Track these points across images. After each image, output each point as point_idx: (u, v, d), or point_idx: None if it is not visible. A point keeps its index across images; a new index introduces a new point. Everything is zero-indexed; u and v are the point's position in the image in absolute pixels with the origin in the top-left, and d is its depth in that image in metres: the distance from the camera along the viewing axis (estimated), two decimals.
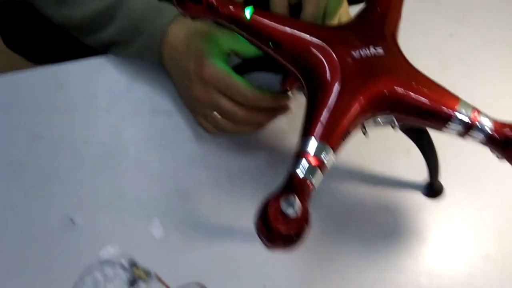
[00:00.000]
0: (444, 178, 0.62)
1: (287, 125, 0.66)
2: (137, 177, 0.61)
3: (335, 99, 0.47)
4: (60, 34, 0.69)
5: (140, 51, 0.64)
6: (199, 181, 0.62)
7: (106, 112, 0.65)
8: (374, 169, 0.65)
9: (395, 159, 0.65)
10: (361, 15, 0.54)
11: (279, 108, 0.60)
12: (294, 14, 0.56)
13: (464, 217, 0.62)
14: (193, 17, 0.55)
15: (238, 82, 0.56)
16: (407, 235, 0.60)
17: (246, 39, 0.53)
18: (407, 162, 0.65)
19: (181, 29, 0.61)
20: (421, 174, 0.63)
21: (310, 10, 0.56)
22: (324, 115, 0.47)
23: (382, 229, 0.60)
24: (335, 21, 0.60)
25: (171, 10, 0.62)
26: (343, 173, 0.63)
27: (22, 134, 0.62)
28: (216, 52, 0.58)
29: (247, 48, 0.60)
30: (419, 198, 0.63)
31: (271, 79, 0.67)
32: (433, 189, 0.63)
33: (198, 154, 0.63)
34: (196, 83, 0.58)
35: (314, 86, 0.49)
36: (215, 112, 0.59)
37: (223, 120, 0.59)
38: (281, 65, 0.53)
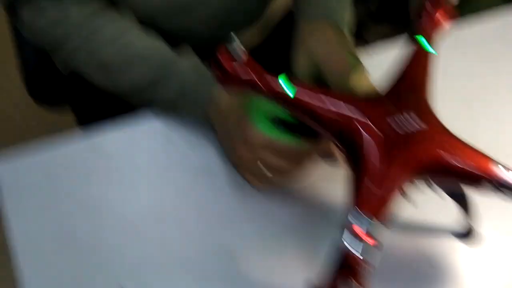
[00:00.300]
0: (478, 221, 0.62)
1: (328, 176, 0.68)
2: (182, 237, 0.63)
3: (379, 172, 0.50)
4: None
5: (187, 113, 0.67)
6: (244, 238, 0.64)
7: (147, 174, 0.67)
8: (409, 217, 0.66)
9: (426, 201, 0.67)
10: (394, 82, 0.56)
11: (323, 155, 0.62)
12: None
13: (501, 262, 0.63)
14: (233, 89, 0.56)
15: (281, 138, 0.59)
16: (442, 280, 0.62)
17: (289, 111, 0.55)
18: (440, 204, 0.67)
19: (226, 92, 0.63)
20: (454, 216, 0.64)
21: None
22: (370, 188, 0.49)
23: (417, 276, 0.62)
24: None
25: None
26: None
27: (67, 202, 0.64)
28: (258, 114, 0.60)
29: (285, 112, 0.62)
30: (453, 242, 0.64)
31: None
32: (467, 233, 0.65)
33: (242, 210, 0.65)
34: (241, 145, 0.61)
35: (356, 159, 0.51)
36: (261, 168, 0.61)
37: (270, 174, 0.61)
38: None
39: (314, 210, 0.66)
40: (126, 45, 0.66)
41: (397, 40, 0.76)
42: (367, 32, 1.72)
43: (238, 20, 0.83)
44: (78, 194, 0.65)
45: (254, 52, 0.89)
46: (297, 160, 0.61)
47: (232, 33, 0.52)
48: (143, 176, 0.67)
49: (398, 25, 1.79)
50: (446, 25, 0.60)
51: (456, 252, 0.64)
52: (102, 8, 0.68)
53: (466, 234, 0.65)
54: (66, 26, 0.66)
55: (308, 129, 0.57)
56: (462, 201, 0.60)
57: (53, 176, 0.66)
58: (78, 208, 0.64)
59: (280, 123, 0.62)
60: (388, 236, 0.63)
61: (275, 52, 0.91)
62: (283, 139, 0.59)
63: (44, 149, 0.67)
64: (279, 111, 0.61)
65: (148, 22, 0.73)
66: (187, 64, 0.66)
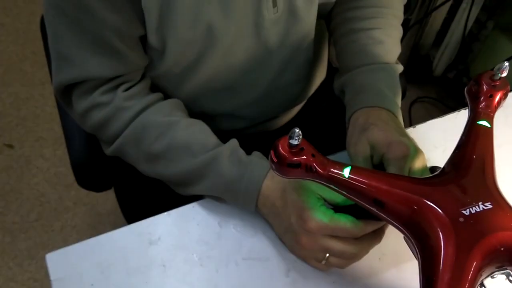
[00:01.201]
0: None
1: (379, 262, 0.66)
2: None
3: (452, 264, 0.47)
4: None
5: (235, 205, 0.66)
6: None
7: (199, 265, 0.65)
8: None
9: None
10: (455, 163, 0.55)
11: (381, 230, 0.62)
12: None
13: None
14: (292, 178, 0.56)
15: (341, 223, 0.58)
16: None
17: (347, 197, 0.54)
18: None
19: (274, 183, 0.63)
20: None
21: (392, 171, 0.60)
22: (445, 281, 0.47)
23: None
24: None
25: (261, 165, 0.65)
26: None
27: None
28: (313, 201, 0.60)
29: (336, 196, 0.61)
30: None
31: None
32: None
33: None
34: (302, 235, 0.60)
35: (427, 250, 0.49)
36: (327, 255, 0.61)
37: (335, 258, 0.61)
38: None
39: None
40: (171, 141, 0.67)
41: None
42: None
43: (281, 103, 0.85)
44: (131, 286, 0.63)
45: (284, 128, 0.91)
46: (361, 242, 0.60)
47: (295, 128, 0.53)
48: (197, 265, 0.65)
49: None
50: (504, 102, 0.60)
51: None
52: (150, 102, 0.70)
53: None
54: (110, 108, 0.68)
55: (365, 212, 0.56)
56: None
57: (107, 267, 0.64)
58: None
59: (335, 208, 0.62)
60: None
61: (306, 125, 0.93)
62: (343, 223, 0.58)
63: (98, 241, 0.67)
64: (331, 194, 0.61)
65: (193, 103, 0.75)
66: (227, 162, 0.65)
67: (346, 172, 0.53)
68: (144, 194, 0.70)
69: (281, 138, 0.54)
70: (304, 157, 0.54)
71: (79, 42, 0.65)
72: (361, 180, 0.53)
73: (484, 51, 1.72)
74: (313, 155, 0.54)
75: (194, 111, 0.77)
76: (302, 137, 0.54)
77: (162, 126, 0.68)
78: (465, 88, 0.61)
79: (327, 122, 0.99)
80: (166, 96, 0.75)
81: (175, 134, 0.67)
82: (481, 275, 0.48)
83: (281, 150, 0.54)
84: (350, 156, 0.67)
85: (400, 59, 0.78)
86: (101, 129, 0.71)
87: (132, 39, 0.68)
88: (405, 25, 1.05)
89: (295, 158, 0.54)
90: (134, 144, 0.69)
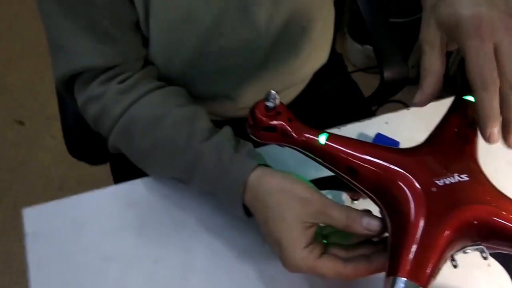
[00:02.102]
0: None
1: None
2: None
3: (420, 234, 0.45)
4: None
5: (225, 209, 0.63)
6: None
7: (176, 230, 0.64)
8: (451, 286, 0.61)
9: (475, 274, 0.62)
10: (437, 135, 0.53)
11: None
12: None
13: None
14: (267, 143, 0.55)
15: (323, 270, 0.53)
16: None
17: (322, 165, 0.53)
18: (489, 277, 0.62)
19: (261, 183, 0.57)
20: None
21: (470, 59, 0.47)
22: (411, 252, 0.45)
23: None
24: None
25: (243, 165, 0.58)
26: None
27: (92, 256, 0.62)
28: (297, 235, 0.53)
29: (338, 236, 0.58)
30: None
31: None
32: None
33: (270, 275, 0.62)
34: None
35: (396, 217, 0.48)
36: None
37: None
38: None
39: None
40: (156, 137, 0.63)
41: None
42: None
43: (276, 84, 0.83)
44: (105, 247, 0.63)
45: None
46: (349, 268, 0.53)
47: (271, 90, 0.52)
48: (173, 230, 0.65)
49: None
50: None
51: None
52: (142, 93, 0.66)
53: None
54: (103, 102, 0.66)
55: (342, 184, 0.54)
56: None
57: (81, 227, 0.64)
58: (104, 262, 0.62)
59: (321, 183, 0.60)
60: None
61: (305, 109, 0.91)
62: (325, 270, 0.52)
63: (72, 201, 0.66)
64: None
65: (184, 86, 0.72)
66: (209, 161, 0.60)
67: (322, 139, 0.52)
68: (139, 171, 0.68)
69: (259, 101, 0.53)
70: (280, 121, 0.53)
71: (72, 30, 0.63)
72: (336, 148, 0.51)
73: None
74: (289, 120, 0.53)
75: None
76: (280, 102, 0.53)
77: (150, 121, 0.64)
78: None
79: (328, 106, 0.97)
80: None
81: (161, 130, 0.63)
82: (451, 249, 0.46)
83: (257, 113, 0.53)
84: (420, 45, 0.52)
85: None
86: (97, 124, 0.68)
87: (126, 24, 0.66)
88: None
89: (271, 122, 0.53)
90: (125, 140, 0.66)
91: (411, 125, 0.75)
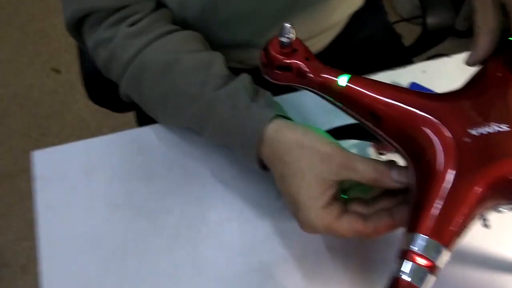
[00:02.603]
0: None
1: None
2: (217, 252, 0.57)
3: (448, 188, 0.40)
4: None
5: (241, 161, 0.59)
6: (282, 257, 0.56)
7: (186, 178, 0.61)
8: (486, 248, 0.56)
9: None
10: (475, 80, 0.47)
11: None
12: None
13: None
14: (282, 84, 0.50)
15: (340, 231, 0.49)
16: None
17: (342, 110, 0.47)
18: None
19: (279, 136, 0.52)
20: None
21: None
22: (435, 208, 0.39)
23: None
24: None
25: (260, 114, 0.54)
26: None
27: (101, 202, 0.60)
28: (315, 193, 0.49)
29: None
30: None
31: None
32: None
33: (280, 229, 0.58)
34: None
35: (422, 170, 0.42)
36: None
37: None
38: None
39: None
40: (169, 84, 0.59)
41: None
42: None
43: (303, 30, 0.77)
44: (113, 194, 0.60)
45: (318, 57, 0.82)
46: (369, 226, 0.49)
47: (285, 23, 0.46)
48: (184, 178, 0.61)
49: None
50: None
51: None
52: (154, 37, 0.61)
53: None
54: (112, 46, 0.61)
55: (365, 133, 0.48)
56: None
57: (90, 173, 0.61)
58: (112, 208, 0.59)
59: (343, 132, 0.55)
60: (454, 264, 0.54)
61: (339, 57, 0.84)
62: (343, 231, 0.48)
63: (82, 145, 0.64)
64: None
65: (203, 31, 0.67)
66: (224, 109, 0.55)
67: (343, 80, 0.46)
68: None
69: (273, 37, 0.48)
70: (296, 60, 0.47)
71: None
72: (358, 90, 0.46)
73: None
74: (307, 58, 0.47)
75: (207, 42, 0.69)
76: (297, 37, 0.47)
77: (161, 67, 0.59)
78: None
79: (363, 55, 0.90)
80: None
81: (174, 77, 0.58)
82: (482, 207, 0.40)
83: (271, 50, 0.48)
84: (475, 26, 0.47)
85: None
86: (107, 70, 0.64)
87: None
88: None
89: (286, 60, 0.47)
90: (135, 88, 0.62)
91: (451, 74, 0.68)
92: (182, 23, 0.66)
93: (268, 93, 0.58)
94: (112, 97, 0.88)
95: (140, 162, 0.62)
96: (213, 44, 0.66)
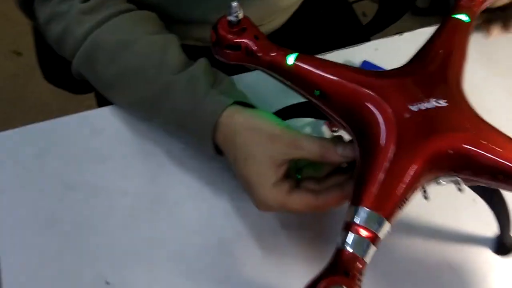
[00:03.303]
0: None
1: None
2: (174, 230, 0.57)
3: (390, 161, 0.41)
4: None
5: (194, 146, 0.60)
6: (239, 234, 0.57)
7: (142, 159, 0.61)
8: (434, 222, 0.58)
9: (459, 210, 0.58)
10: (419, 56, 0.48)
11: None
12: None
13: None
14: (232, 63, 0.50)
15: (295, 206, 0.50)
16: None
17: (290, 87, 0.48)
18: (474, 212, 0.58)
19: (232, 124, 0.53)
20: (489, 226, 0.56)
21: None
22: (377, 181, 0.41)
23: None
24: None
25: (219, 101, 0.54)
26: (399, 226, 0.57)
27: (55, 184, 0.59)
28: (268, 172, 0.50)
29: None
30: (488, 255, 0.56)
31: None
32: (504, 246, 0.56)
33: (237, 206, 0.59)
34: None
35: (366, 144, 0.43)
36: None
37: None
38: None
39: None
40: (124, 64, 0.58)
41: None
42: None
43: (262, 6, 0.77)
44: (68, 176, 0.60)
45: (273, 35, 0.82)
46: (322, 200, 0.50)
47: (232, 3, 0.46)
48: (140, 159, 0.61)
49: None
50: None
51: (484, 260, 0.56)
52: (108, 15, 0.60)
53: (498, 243, 0.55)
54: (66, 22, 0.60)
55: (315, 111, 0.49)
56: (497, 207, 0.51)
57: (44, 156, 0.61)
58: (67, 190, 0.59)
59: (280, 114, 0.56)
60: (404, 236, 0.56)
61: (295, 35, 0.84)
62: (296, 205, 0.50)
63: (36, 128, 0.63)
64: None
65: (157, 10, 0.66)
66: (181, 92, 0.56)
67: (291, 59, 0.47)
68: None
69: (222, 16, 0.48)
70: (245, 39, 0.48)
71: None
72: (306, 69, 0.47)
73: None
74: (256, 37, 0.48)
75: (163, 19, 0.69)
76: (245, 15, 0.48)
77: (117, 46, 0.59)
78: None
79: (320, 34, 0.91)
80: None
81: (129, 56, 0.58)
82: (422, 180, 0.42)
83: (220, 30, 0.48)
84: None
85: None
86: (59, 46, 0.63)
87: None
88: None
89: (235, 40, 0.48)
90: (88, 66, 0.61)
91: (403, 52, 0.68)
92: (137, 0, 0.66)
93: (228, 78, 0.58)
94: (69, 78, 0.87)
95: (94, 144, 0.62)
96: (170, 20, 0.66)
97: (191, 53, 0.62)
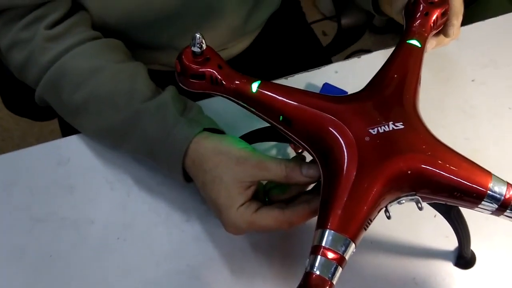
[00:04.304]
0: (475, 244, 0.57)
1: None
2: (144, 257, 0.58)
3: (352, 184, 0.43)
4: None
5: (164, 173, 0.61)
6: (210, 258, 0.58)
7: (110, 187, 0.61)
8: (397, 237, 0.60)
9: (421, 225, 0.61)
10: (376, 81, 0.50)
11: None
12: None
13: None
14: (198, 92, 0.51)
15: (263, 223, 0.51)
16: None
17: (256, 115, 0.50)
18: (435, 227, 0.60)
19: (202, 149, 0.54)
20: (450, 240, 0.58)
21: None
22: (342, 204, 0.42)
23: None
24: None
25: (189, 128, 0.55)
26: (364, 243, 0.59)
27: (22, 216, 0.59)
28: (236, 195, 0.51)
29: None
30: (450, 268, 0.58)
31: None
32: (464, 259, 0.58)
33: (207, 231, 0.60)
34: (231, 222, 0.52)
35: (329, 167, 0.45)
36: None
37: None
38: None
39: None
40: (92, 91, 0.58)
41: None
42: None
43: (225, 31, 0.79)
44: (35, 207, 0.60)
45: (237, 59, 0.84)
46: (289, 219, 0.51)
47: (195, 34, 0.48)
48: (107, 189, 0.62)
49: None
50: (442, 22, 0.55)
51: (446, 274, 0.58)
52: (74, 43, 0.60)
53: (459, 257, 0.58)
54: (30, 49, 0.60)
55: (280, 135, 0.51)
56: (456, 223, 0.54)
57: (11, 187, 0.61)
58: (34, 222, 0.59)
59: (245, 138, 0.57)
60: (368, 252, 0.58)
61: (258, 58, 0.86)
62: (265, 224, 0.51)
63: (3, 160, 0.63)
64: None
65: (123, 36, 0.67)
66: (151, 120, 0.56)
67: (254, 86, 0.49)
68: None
69: (186, 47, 0.49)
70: (209, 68, 0.49)
71: None
72: (269, 95, 0.48)
73: None
74: (219, 66, 0.49)
75: (129, 44, 0.69)
76: (208, 46, 0.49)
77: (84, 73, 0.59)
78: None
79: (282, 56, 0.93)
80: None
81: (97, 83, 0.58)
82: (384, 200, 0.44)
83: (184, 60, 0.49)
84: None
85: None
86: (22, 73, 0.62)
87: None
88: None
89: (200, 69, 0.49)
90: (53, 93, 0.61)
91: (362, 74, 0.71)
92: (102, 26, 0.66)
93: (196, 105, 0.59)
94: (31, 105, 0.86)
95: (61, 174, 0.62)
96: (136, 46, 0.67)
97: (158, 78, 0.63)
